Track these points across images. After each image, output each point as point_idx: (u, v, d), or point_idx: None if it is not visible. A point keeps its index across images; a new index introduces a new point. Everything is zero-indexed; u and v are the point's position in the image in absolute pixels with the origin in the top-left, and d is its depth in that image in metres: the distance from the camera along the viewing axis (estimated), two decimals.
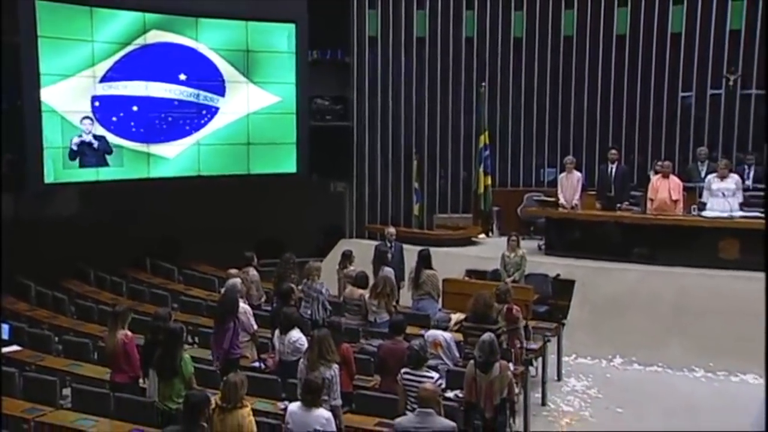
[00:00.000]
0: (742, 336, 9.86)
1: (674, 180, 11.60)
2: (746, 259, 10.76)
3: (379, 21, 14.35)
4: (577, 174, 12.43)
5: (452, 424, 5.62)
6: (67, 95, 11.80)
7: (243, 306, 8.15)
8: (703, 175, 11.82)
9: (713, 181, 11.30)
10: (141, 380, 7.24)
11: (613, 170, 12.35)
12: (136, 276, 12.46)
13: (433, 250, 10.28)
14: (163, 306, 9.61)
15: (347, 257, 10.28)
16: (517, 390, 7.39)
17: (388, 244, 11.01)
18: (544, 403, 8.74)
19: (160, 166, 12.99)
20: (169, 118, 12.95)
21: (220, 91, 13.36)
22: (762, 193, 11.50)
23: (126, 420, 6.59)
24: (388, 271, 9.71)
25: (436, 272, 9.92)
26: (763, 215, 11.08)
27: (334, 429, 5.63)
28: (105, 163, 12.34)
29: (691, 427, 8.17)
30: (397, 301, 9.87)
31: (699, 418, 8.41)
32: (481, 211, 13.75)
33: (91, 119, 12.11)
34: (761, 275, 10.38)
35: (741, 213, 11.09)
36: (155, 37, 12.63)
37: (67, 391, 7.55)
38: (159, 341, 6.80)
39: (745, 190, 11.47)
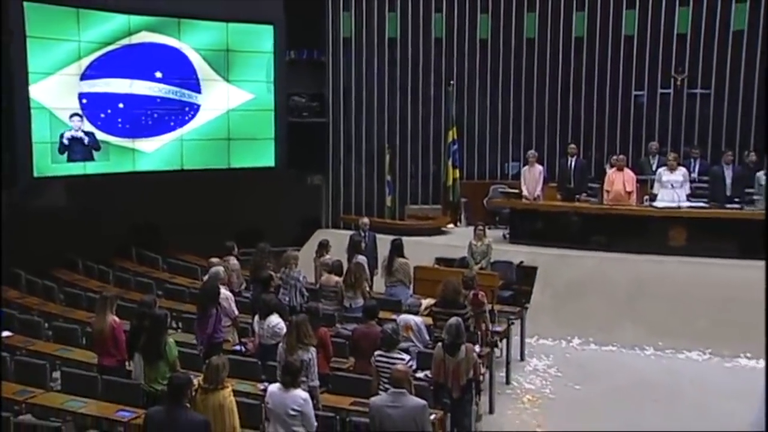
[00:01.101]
0: (687, 317, 10.08)
1: (628, 173, 11.71)
2: (693, 245, 10.97)
3: (353, 22, 14.28)
4: (539, 167, 12.49)
5: (423, 402, 5.62)
6: (55, 93, 11.61)
7: (225, 293, 8.09)
8: (654, 168, 11.95)
9: (663, 174, 11.44)
10: (127, 363, 7.17)
11: (573, 164, 12.43)
12: (122, 265, 12.33)
13: (404, 239, 10.30)
14: (148, 293, 9.54)
15: (323, 246, 10.23)
16: (482, 370, 7.45)
17: (362, 234, 10.97)
18: (508, 382, 8.81)
19: (144, 161, 12.83)
20: (155, 115, 12.79)
21: (197, 88, 13.19)
22: (706, 185, 11.68)
23: (113, 401, 6.55)
24: (362, 259, 9.68)
25: (407, 260, 9.94)
26: (707, 205, 11.29)
27: (311, 409, 5.60)
28: (92, 158, 12.19)
29: (642, 399, 8.33)
30: (371, 288, 9.88)
31: (649, 392, 8.55)
32: (449, 202, 13.77)
33: (80, 116, 11.93)
34: (706, 260, 10.67)
35: (688, 203, 11.25)
36: (140, 37, 12.44)
37: (56, 374, 7.48)
38: (144, 326, 6.74)
39: (692, 181, 11.64)
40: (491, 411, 7.99)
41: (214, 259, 9.35)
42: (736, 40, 13.13)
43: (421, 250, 11.24)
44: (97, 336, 7.28)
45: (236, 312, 8.16)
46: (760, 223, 10.63)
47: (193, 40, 13.01)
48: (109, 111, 12.26)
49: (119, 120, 12.40)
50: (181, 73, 13.01)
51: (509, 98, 14.27)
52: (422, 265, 10.49)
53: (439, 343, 6.81)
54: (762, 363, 9.38)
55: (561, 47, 13.92)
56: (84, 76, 11.94)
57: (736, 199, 11.15)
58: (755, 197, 11.07)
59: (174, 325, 8.98)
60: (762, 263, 10.31)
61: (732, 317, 9.89)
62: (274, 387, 5.70)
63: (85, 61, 11.90)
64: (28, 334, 8.60)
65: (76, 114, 11.88)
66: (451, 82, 13.87)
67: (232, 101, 13.49)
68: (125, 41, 12.29)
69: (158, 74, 12.80)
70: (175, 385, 5.25)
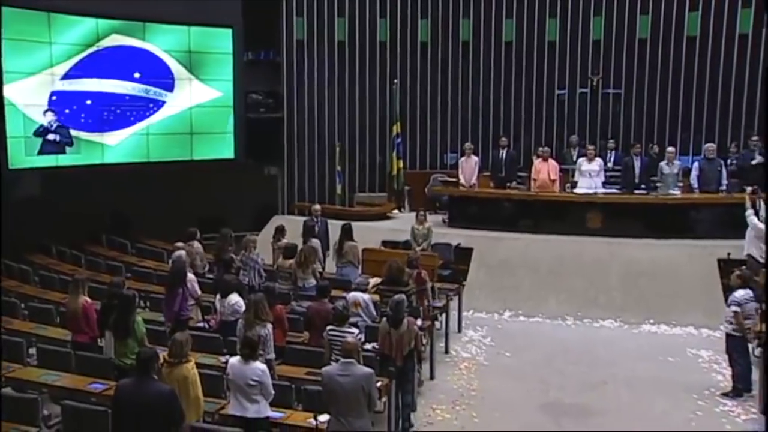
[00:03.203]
0: (602, 290, 10.39)
1: (552, 163, 11.92)
2: (607, 227, 11.25)
3: (305, 27, 14.20)
4: (475, 158, 12.60)
5: (370, 370, 5.65)
6: (27, 91, 11.25)
7: (189, 275, 8.00)
8: (574, 158, 12.19)
9: (582, 164, 11.70)
10: (99, 340, 7.07)
11: (504, 155, 12.59)
12: (93, 250, 12.05)
13: (353, 224, 10.30)
14: (117, 275, 9.33)
15: (280, 231, 10.19)
16: (425, 341, 7.55)
17: (315, 220, 10.92)
18: (447, 351, 8.92)
19: (113, 153, 12.53)
20: (117, 111, 12.47)
21: (170, 87, 12.94)
22: (618, 174, 12.01)
23: (86, 374, 6.47)
24: (315, 242, 9.68)
25: (356, 243, 9.96)
26: (619, 191, 11.62)
27: (269, 379, 5.61)
28: (63, 151, 11.86)
29: (563, 363, 8.57)
30: (323, 269, 9.89)
31: (569, 356, 8.81)
32: (394, 190, 13.85)
33: (54, 112, 11.59)
34: (618, 240, 10.98)
35: (603, 190, 11.55)
36: (110, 40, 12.13)
37: (33, 351, 7.31)
38: (114, 306, 6.66)
39: (609, 170, 11.93)
40: (432, 377, 8.09)
41: (179, 244, 9.23)
42: (641, 46, 13.56)
43: (368, 234, 11.27)
44: (70, 315, 7.16)
45: (199, 292, 8.06)
46: (663, 207, 11.11)
47: (158, 43, 12.72)
48: (74, 107, 11.91)
49: (82, 115, 12.04)
50: (158, 73, 12.75)
51: (447, 95, 14.39)
52: (369, 247, 10.53)
53: (385, 318, 6.88)
54: (663, 327, 9.81)
55: (493, 49, 14.10)
56: (64, 76, 11.61)
57: (643, 186, 11.51)
58: (658, 184, 11.45)
59: (142, 304, 8.84)
60: (664, 242, 10.80)
61: (639, 290, 10.25)
62: (234, 360, 5.68)
63: (63, 63, 11.55)
64: (6, 314, 8.33)
65: (50, 110, 11.54)
66: (395, 81, 13.90)
67: (196, 98, 13.26)
68: (95, 43, 11.96)
69: (137, 74, 12.56)
70: (142, 358, 5.18)
